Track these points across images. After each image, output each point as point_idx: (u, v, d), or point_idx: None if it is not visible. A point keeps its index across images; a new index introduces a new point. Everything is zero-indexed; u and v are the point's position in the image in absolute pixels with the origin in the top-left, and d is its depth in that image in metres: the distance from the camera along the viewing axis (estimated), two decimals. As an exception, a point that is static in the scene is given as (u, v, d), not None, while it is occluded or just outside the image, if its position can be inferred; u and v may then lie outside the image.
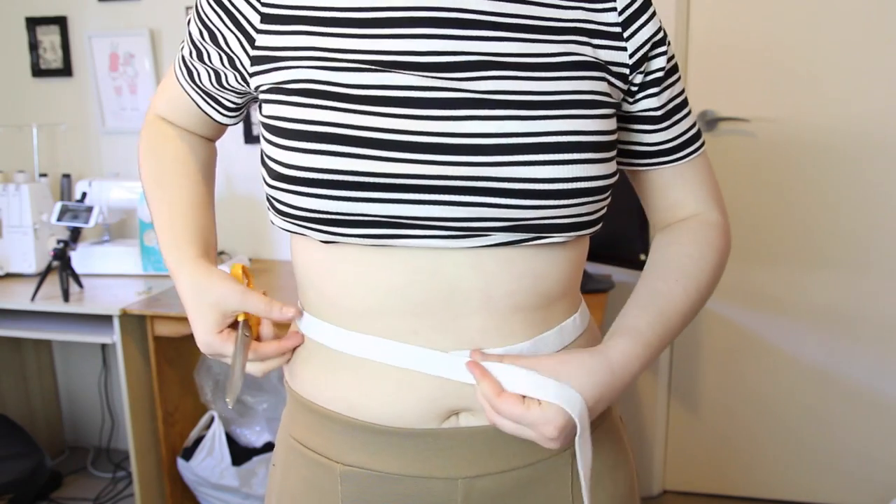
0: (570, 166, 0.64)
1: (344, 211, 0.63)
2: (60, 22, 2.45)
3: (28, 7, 2.47)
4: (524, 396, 0.64)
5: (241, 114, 0.83)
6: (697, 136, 0.79)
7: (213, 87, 0.77)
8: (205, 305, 0.70)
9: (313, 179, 0.62)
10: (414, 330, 0.67)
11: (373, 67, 0.63)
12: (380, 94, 0.62)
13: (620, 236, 1.89)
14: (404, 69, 0.63)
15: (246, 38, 0.68)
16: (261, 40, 0.68)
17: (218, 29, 0.71)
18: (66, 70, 2.48)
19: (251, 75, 0.69)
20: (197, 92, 0.79)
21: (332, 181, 0.62)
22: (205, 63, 0.75)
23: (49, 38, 2.48)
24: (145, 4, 2.38)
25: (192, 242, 0.75)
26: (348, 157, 0.61)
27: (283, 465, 0.78)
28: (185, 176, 0.80)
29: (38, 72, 2.50)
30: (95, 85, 2.45)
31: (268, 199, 0.68)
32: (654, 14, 0.73)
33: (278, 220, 0.69)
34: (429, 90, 0.62)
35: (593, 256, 2.03)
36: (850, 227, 2.14)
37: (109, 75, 2.44)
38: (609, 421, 0.80)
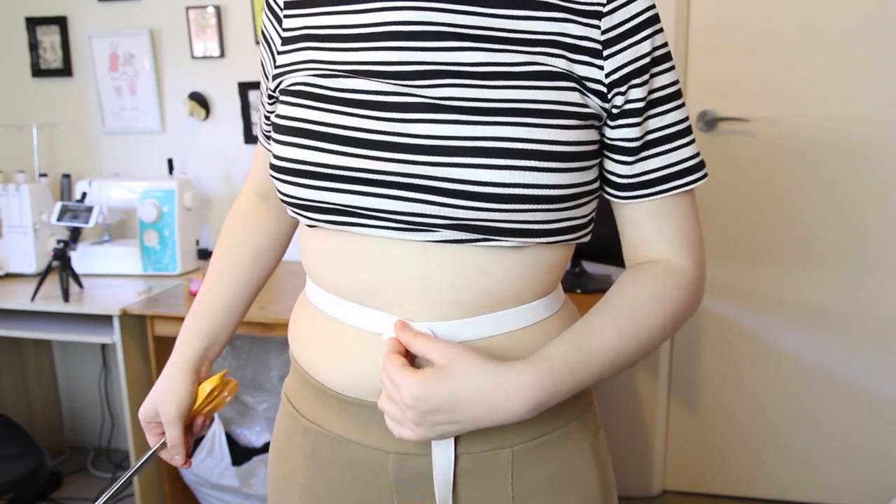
0: (508, 171, 0.66)
1: (314, 199, 0.71)
2: (60, 22, 2.45)
3: (28, 7, 2.47)
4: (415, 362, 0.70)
5: None
6: (678, 175, 0.73)
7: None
8: (159, 395, 0.87)
9: (292, 169, 0.71)
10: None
11: (350, 74, 0.70)
12: (350, 96, 0.69)
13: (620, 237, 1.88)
14: (374, 77, 0.70)
15: (272, 60, 0.80)
16: (279, 60, 0.78)
17: (264, 60, 0.82)
18: (66, 70, 2.49)
19: (272, 91, 0.79)
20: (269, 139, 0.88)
21: (306, 171, 0.70)
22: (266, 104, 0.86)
23: (49, 38, 2.48)
24: (145, 4, 2.38)
25: (196, 340, 0.89)
26: (318, 150, 0.69)
27: (278, 417, 0.88)
28: (231, 269, 0.92)
29: (38, 72, 2.50)
30: (95, 85, 2.45)
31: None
32: (642, 40, 0.70)
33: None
34: (390, 94, 0.68)
35: (593, 256, 2.04)
36: (850, 227, 2.14)
37: (109, 75, 2.44)
38: (576, 424, 0.79)
